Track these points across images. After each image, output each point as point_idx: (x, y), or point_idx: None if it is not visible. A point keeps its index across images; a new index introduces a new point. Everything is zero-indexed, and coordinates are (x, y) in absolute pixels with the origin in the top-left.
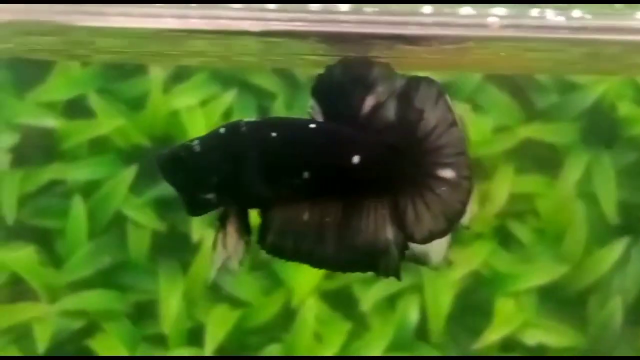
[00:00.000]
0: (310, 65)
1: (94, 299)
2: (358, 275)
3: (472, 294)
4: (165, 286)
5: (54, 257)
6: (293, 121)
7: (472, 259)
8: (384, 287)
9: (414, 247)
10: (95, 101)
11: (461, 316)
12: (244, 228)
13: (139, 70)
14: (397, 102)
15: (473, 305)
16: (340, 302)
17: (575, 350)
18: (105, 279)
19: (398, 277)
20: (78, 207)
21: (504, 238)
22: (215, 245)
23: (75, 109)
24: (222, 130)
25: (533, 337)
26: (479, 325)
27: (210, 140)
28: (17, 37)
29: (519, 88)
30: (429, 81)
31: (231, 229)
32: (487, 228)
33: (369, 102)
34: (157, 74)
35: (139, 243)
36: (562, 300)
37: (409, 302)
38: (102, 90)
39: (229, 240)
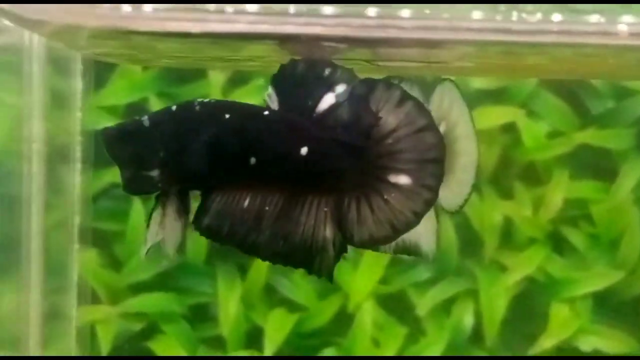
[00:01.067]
0: (371, 70)
1: (153, 302)
2: (413, 279)
3: (527, 300)
4: (224, 289)
5: (114, 260)
6: (248, 106)
7: (527, 264)
8: (439, 292)
9: (405, 237)
10: (155, 105)
11: (516, 321)
12: (183, 209)
13: (198, 74)
14: (353, 103)
15: (528, 310)
16: (396, 307)
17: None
18: (164, 282)
19: (330, 278)
20: (138, 211)
21: (558, 244)
22: (149, 223)
23: (136, 112)
24: (174, 107)
25: (588, 343)
26: (533, 330)
27: (161, 116)
28: (94, 42)
29: (573, 94)
30: (387, 84)
31: (170, 210)
32: (541, 233)
33: (327, 100)
34: (216, 77)
35: (197, 246)
36: (617, 306)
37: (464, 307)
38: (162, 94)
39: (167, 221)
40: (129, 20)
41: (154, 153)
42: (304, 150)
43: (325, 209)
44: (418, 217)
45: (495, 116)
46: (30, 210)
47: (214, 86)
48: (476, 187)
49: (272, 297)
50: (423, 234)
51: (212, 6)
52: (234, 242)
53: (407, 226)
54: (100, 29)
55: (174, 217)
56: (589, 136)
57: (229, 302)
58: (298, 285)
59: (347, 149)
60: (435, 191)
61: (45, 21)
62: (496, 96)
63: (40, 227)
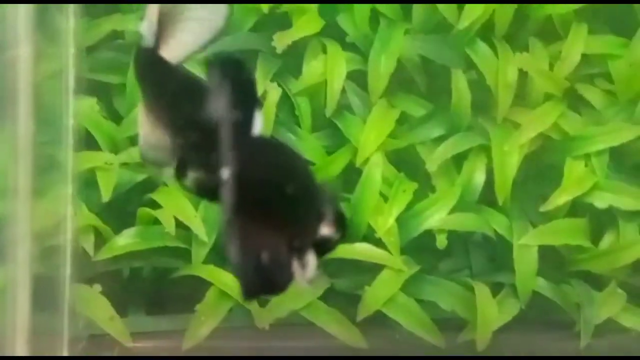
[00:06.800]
0: None
1: None
2: (424, 136)
3: (541, 157)
4: None
5: (114, 112)
6: None
7: (541, 121)
8: (449, 147)
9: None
10: None
11: (529, 179)
12: None
13: None
14: None
15: (541, 168)
16: (405, 162)
17: None
18: None
19: None
20: None
21: (574, 100)
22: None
23: None
24: None
25: (603, 200)
26: (547, 189)
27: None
28: None
29: None
30: None
31: None
32: (557, 90)
33: None
34: None
35: None
36: (634, 163)
37: (475, 163)
38: None
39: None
40: None
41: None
42: None
43: None
44: None
45: None
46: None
47: None
48: (491, 44)
49: None
50: None
51: None
52: None
53: None
54: None
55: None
56: None
57: None
58: (305, 139)
59: None
60: None
61: None
62: None
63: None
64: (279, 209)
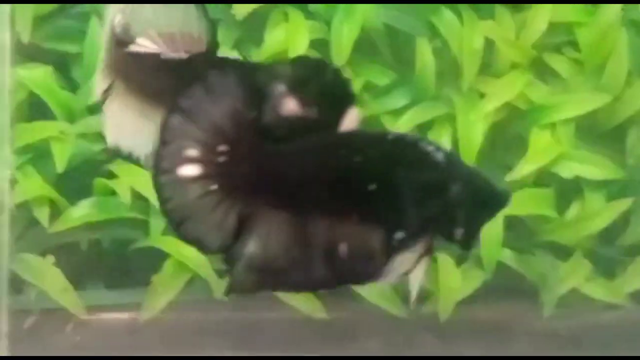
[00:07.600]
0: None
1: None
2: (387, 106)
3: (507, 127)
4: None
5: (70, 81)
6: None
7: (507, 90)
8: (414, 115)
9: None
10: None
11: (494, 149)
12: None
13: None
14: None
15: (507, 138)
16: None
17: (612, 183)
18: None
19: None
20: (94, 31)
21: (540, 69)
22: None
23: None
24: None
25: (569, 170)
26: (512, 159)
27: None
28: None
29: None
30: None
31: None
32: (523, 58)
33: None
34: None
35: None
36: (600, 132)
37: (440, 133)
38: None
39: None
40: None
41: None
42: None
43: None
44: None
45: None
46: None
47: None
48: (456, 11)
49: None
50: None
51: None
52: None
53: None
54: None
55: None
56: None
57: None
58: None
59: None
60: None
61: None
62: None
63: None
64: (369, 204)
